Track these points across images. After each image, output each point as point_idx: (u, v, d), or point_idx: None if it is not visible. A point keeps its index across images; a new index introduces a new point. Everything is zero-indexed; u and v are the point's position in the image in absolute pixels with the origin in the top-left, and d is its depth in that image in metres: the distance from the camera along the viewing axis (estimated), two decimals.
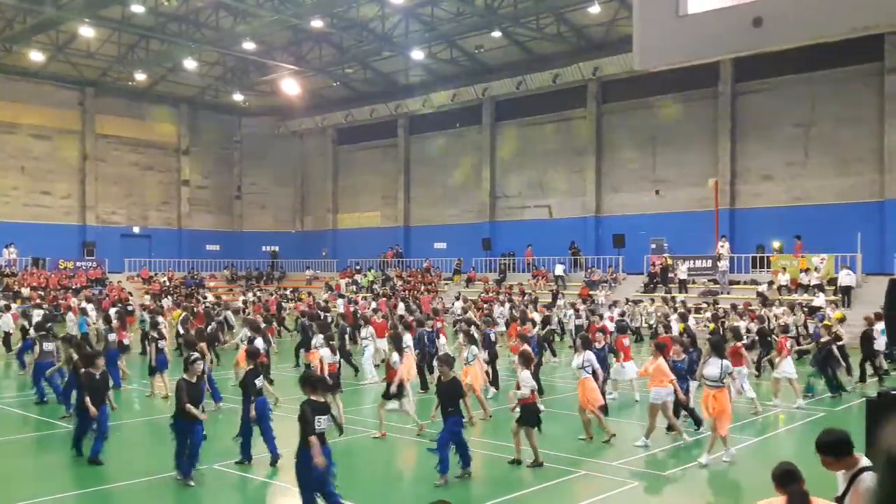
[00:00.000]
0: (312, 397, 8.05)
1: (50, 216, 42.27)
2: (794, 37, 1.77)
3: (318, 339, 15.10)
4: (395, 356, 12.55)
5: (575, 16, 33.46)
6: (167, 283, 41.99)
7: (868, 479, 4.57)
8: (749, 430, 13.55)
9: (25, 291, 35.23)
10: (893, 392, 5.45)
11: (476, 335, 15.65)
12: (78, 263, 41.60)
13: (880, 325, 18.65)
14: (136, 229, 45.93)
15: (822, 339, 16.87)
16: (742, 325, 19.88)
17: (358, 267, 44.39)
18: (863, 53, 28.07)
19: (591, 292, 31.98)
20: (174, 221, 47.85)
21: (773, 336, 18.98)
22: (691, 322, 20.30)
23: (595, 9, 30.96)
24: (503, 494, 9.62)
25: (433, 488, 9.47)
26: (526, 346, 13.72)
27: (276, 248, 50.72)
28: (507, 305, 26.79)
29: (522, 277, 37.10)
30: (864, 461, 4.72)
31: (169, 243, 46.79)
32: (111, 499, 9.93)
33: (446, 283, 39.23)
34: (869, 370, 18.16)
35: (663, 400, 11.60)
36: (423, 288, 38.67)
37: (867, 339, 17.89)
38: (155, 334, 16.60)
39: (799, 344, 20.47)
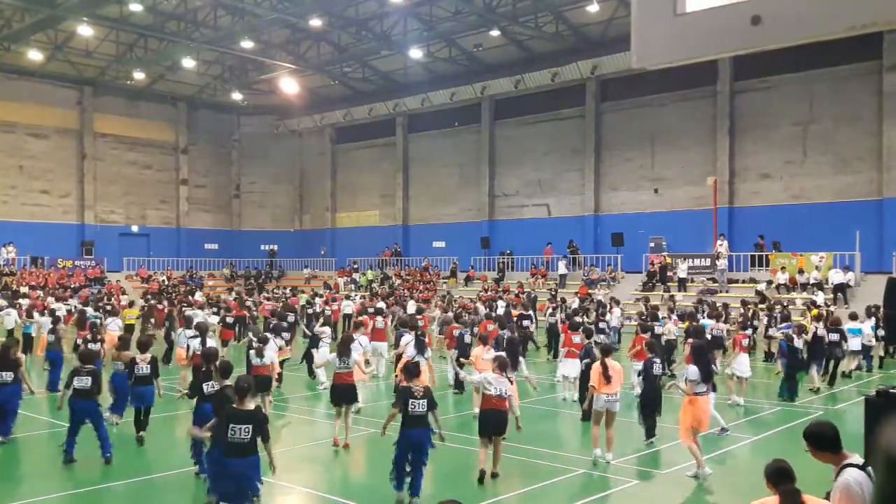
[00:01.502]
0: (233, 405, 7.88)
1: (48, 215, 42.26)
2: (792, 35, 1.76)
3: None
4: (332, 356, 12.14)
5: (573, 14, 33.46)
6: (166, 282, 41.95)
7: (847, 474, 4.55)
8: (748, 428, 13.56)
9: (24, 290, 35.15)
10: (893, 391, 5.44)
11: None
12: (76, 262, 41.59)
13: (847, 325, 18.73)
14: (134, 228, 45.92)
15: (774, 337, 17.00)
16: (709, 324, 19.99)
17: (356, 266, 44.38)
18: (861, 52, 28.08)
19: (589, 291, 31.98)
20: (173, 220, 47.84)
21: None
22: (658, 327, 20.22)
23: (593, 7, 30.97)
24: (502, 493, 9.62)
25: (434, 489, 9.46)
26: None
27: (275, 247, 50.74)
28: (498, 304, 26.65)
29: (521, 276, 37.09)
30: (854, 458, 4.70)
31: (167, 242, 46.81)
32: (107, 499, 9.91)
33: (444, 282, 39.23)
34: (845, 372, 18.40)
35: (604, 406, 10.67)
36: (421, 287, 38.66)
37: (818, 340, 17.42)
38: (88, 336, 15.81)
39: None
